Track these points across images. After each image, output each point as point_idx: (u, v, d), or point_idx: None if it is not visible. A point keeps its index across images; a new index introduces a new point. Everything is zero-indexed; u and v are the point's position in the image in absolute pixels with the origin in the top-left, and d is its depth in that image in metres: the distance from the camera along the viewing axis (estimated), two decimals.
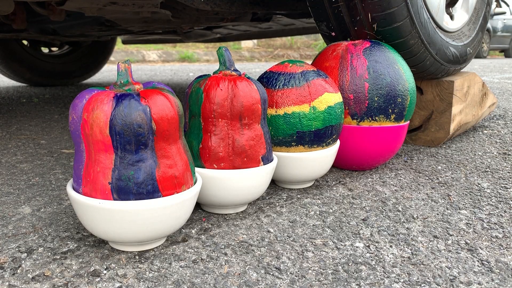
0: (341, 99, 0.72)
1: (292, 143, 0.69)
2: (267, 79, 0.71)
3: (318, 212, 0.64)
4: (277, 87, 0.69)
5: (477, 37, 1.16)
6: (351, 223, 0.61)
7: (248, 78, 0.61)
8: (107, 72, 3.48)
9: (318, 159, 0.70)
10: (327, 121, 0.69)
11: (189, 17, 1.25)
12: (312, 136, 0.68)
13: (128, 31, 1.66)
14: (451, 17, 1.08)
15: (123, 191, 0.46)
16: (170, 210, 0.48)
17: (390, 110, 0.78)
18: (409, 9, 0.84)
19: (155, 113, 0.46)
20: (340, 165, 0.85)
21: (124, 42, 2.21)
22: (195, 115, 0.59)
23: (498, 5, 8.34)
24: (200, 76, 0.61)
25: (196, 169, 0.58)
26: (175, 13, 1.19)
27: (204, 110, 0.58)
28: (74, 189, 0.49)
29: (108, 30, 1.55)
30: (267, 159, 0.61)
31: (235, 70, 0.62)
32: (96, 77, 2.92)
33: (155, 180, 0.47)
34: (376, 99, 0.76)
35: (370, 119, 0.77)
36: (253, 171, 0.59)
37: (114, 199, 0.46)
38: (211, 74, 0.61)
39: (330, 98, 0.69)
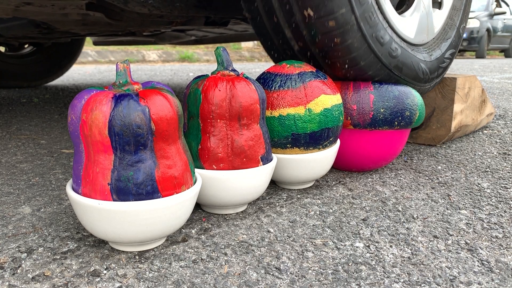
0: (339, 101, 0.71)
1: (288, 145, 0.68)
2: (263, 80, 0.70)
3: (318, 212, 0.64)
4: (273, 88, 0.68)
5: (466, 9, 1.04)
6: (351, 223, 0.60)
7: (247, 78, 0.61)
8: (107, 72, 3.48)
9: (314, 161, 0.69)
10: (323, 123, 0.68)
11: (132, 20, 1.17)
12: (308, 139, 0.67)
13: (74, 34, 1.56)
14: (440, 5, 0.98)
15: (123, 191, 0.46)
16: (169, 211, 0.48)
17: (396, 123, 0.76)
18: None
19: (154, 113, 0.46)
20: (340, 167, 0.84)
21: (95, 44, 2.12)
22: (194, 116, 0.59)
23: (498, 5, 8.34)
24: (198, 77, 0.61)
25: (196, 170, 0.58)
26: (114, 15, 1.11)
27: (202, 111, 0.58)
28: (73, 189, 0.49)
29: (49, 33, 1.45)
30: (266, 159, 0.61)
31: (233, 70, 0.61)
32: (96, 77, 2.92)
33: (154, 180, 0.47)
34: (382, 111, 0.74)
35: (372, 128, 0.76)
36: (252, 171, 0.59)
37: (114, 200, 0.46)
38: (209, 75, 0.61)
39: (327, 100, 0.68)
